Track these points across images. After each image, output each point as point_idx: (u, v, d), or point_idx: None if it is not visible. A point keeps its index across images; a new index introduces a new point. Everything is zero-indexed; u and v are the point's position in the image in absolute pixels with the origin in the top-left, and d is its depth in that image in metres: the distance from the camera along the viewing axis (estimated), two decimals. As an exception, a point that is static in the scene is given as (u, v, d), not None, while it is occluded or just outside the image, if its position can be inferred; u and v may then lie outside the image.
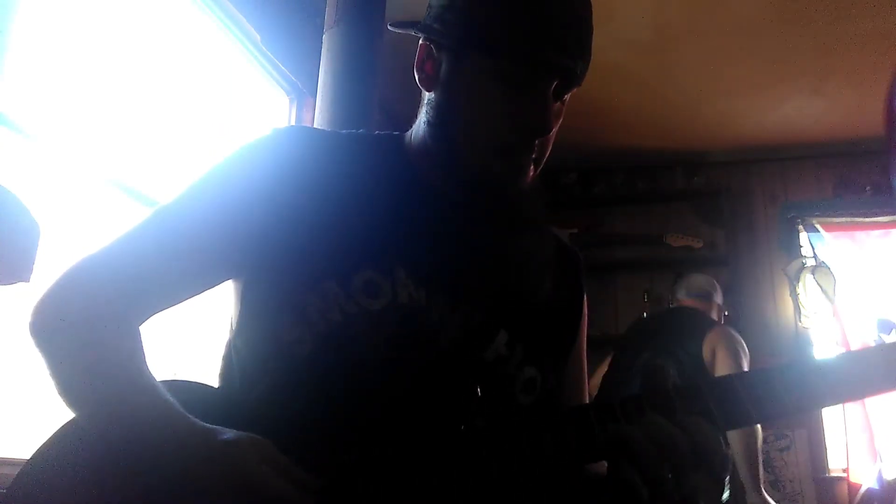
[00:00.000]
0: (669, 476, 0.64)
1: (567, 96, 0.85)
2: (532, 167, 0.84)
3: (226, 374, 0.85)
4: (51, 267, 1.46)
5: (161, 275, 0.79)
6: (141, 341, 0.77)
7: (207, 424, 0.68)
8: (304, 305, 0.77)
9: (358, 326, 0.77)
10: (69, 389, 0.72)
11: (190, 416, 0.69)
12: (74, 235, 1.78)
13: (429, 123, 0.86)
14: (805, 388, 0.68)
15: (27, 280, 1.37)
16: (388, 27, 0.92)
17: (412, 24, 0.88)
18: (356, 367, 0.76)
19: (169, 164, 2.17)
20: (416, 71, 0.87)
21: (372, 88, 2.08)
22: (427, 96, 0.87)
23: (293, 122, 2.84)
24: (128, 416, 0.69)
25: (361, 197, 0.84)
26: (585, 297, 0.99)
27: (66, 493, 0.69)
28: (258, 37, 2.55)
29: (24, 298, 1.40)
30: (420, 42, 0.87)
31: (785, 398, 0.67)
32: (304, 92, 2.82)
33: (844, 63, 3.20)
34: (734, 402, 0.67)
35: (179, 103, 2.27)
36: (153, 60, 2.16)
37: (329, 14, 2.16)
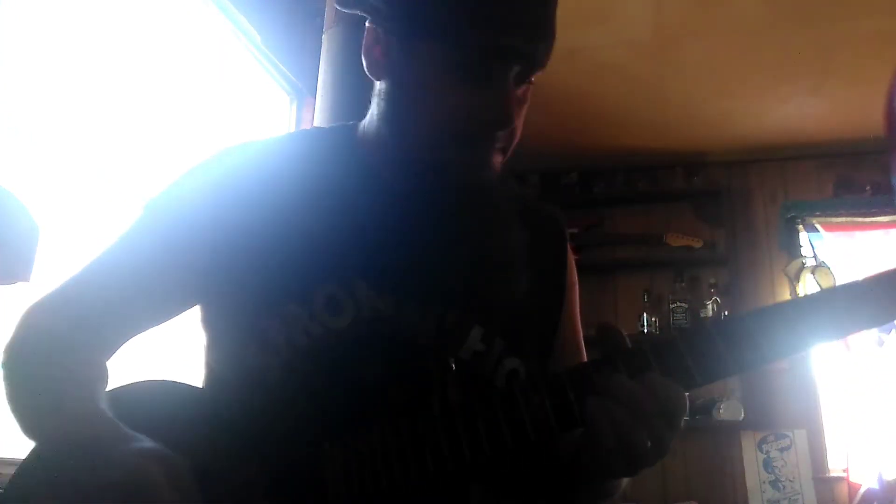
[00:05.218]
0: (644, 436, 0.64)
1: (532, 78, 0.76)
2: (499, 155, 0.78)
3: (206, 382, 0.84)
4: (51, 267, 1.46)
5: (120, 306, 0.77)
6: (102, 372, 0.74)
7: (128, 431, 0.63)
8: (267, 332, 0.74)
9: (325, 348, 0.74)
10: (22, 416, 0.70)
11: (117, 425, 0.64)
12: (74, 236, 1.78)
13: (380, 116, 0.80)
14: (783, 331, 0.65)
15: (27, 280, 1.37)
16: (336, 6, 0.82)
17: (359, 3, 0.78)
18: (327, 391, 0.73)
19: (169, 165, 2.17)
20: (364, 56, 0.79)
21: (372, 88, 2.08)
22: (378, 86, 0.80)
23: (293, 122, 2.85)
24: (59, 419, 0.66)
25: (313, 204, 0.78)
26: (570, 258, 0.94)
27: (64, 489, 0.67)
28: (258, 37, 2.55)
29: (24, 298, 1.40)
30: (367, 24, 0.79)
31: (763, 344, 0.65)
32: (304, 92, 2.81)
33: (844, 63, 3.20)
34: (710, 354, 0.65)
35: (179, 103, 2.26)
36: (153, 60, 2.16)
37: (329, 14, 2.16)
